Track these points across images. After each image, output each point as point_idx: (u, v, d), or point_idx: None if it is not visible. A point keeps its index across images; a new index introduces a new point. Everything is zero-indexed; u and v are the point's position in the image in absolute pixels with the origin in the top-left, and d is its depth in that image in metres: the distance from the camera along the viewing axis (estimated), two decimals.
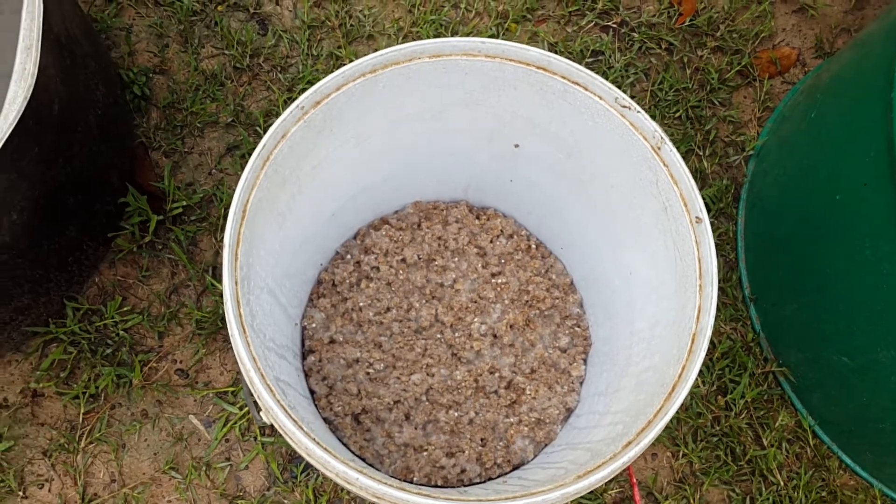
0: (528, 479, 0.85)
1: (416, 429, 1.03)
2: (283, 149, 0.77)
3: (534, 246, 1.14)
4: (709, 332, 0.72)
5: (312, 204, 0.94)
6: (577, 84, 0.82)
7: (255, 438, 1.12)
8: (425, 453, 1.02)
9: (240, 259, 0.73)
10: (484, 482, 1.02)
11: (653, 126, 0.80)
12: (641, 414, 0.73)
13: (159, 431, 1.10)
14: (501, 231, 1.14)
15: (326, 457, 0.64)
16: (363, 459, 1.02)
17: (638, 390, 0.81)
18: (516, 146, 0.98)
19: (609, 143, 0.86)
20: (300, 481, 1.11)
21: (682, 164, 0.77)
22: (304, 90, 1.14)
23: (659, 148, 0.79)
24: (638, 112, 0.80)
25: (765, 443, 1.18)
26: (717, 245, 1.26)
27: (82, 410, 1.11)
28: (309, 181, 0.89)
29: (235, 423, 1.11)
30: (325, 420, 1.04)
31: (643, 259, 0.87)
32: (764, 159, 1.33)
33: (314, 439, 0.66)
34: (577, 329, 1.09)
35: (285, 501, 1.11)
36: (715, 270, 0.74)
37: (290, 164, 0.81)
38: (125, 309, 1.11)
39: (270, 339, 0.83)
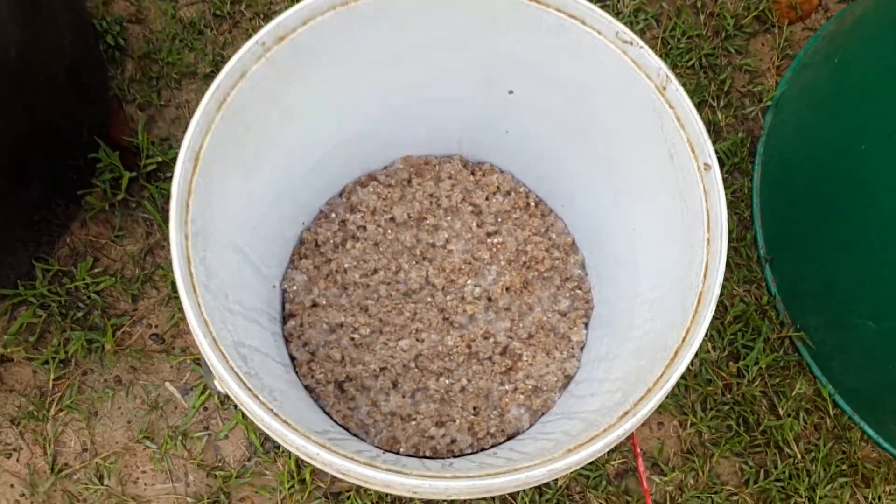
0: (518, 452, 0.79)
1: (403, 397, 0.96)
2: (243, 90, 0.70)
3: (533, 203, 1.06)
4: (716, 292, 0.64)
5: (287, 155, 0.86)
6: (574, 17, 0.74)
7: (236, 407, 1.06)
8: (413, 423, 0.95)
9: (192, 211, 0.65)
10: (475, 453, 0.96)
11: (657, 63, 0.71)
12: (641, 381, 0.66)
13: (133, 399, 1.04)
14: (498, 187, 1.06)
15: (283, 429, 0.57)
16: (346, 429, 0.96)
17: (638, 356, 0.74)
18: (510, 92, 0.89)
19: (610, 84, 0.77)
20: (282, 451, 1.05)
21: (690, 105, 0.69)
22: None
23: (664, 88, 0.71)
24: (641, 48, 0.72)
25: (780, 412, 1.10)
26: (730, 202, 1.17)
27: (52, 376, 1.05)
28: (280, 129, 0.81)
29: None
30: (307, 388, 0.97)
31: (648, 214, 0.80)
32: (782, 110, 1.24)
33: (270, 410, 0.59)
34: (578, 292, 1.02)
35: (266, 472, 1.05)
36: (724, 223, 0.66)
37: (253, 109, 0.73)
38: (97, 270, 1.05)
39: (236, 302, 0.76)
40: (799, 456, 1.09)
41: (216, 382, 0.63)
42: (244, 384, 0.60)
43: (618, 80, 0.76)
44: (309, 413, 0.81)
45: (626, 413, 0.61)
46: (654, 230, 0.79)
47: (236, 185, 0.76)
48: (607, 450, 0.60)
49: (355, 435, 0.96)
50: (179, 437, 1.06)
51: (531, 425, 0.97)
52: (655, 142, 0.74)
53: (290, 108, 0.80)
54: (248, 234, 0.83)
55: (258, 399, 0.60)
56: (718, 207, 0.67)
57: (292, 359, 0.99)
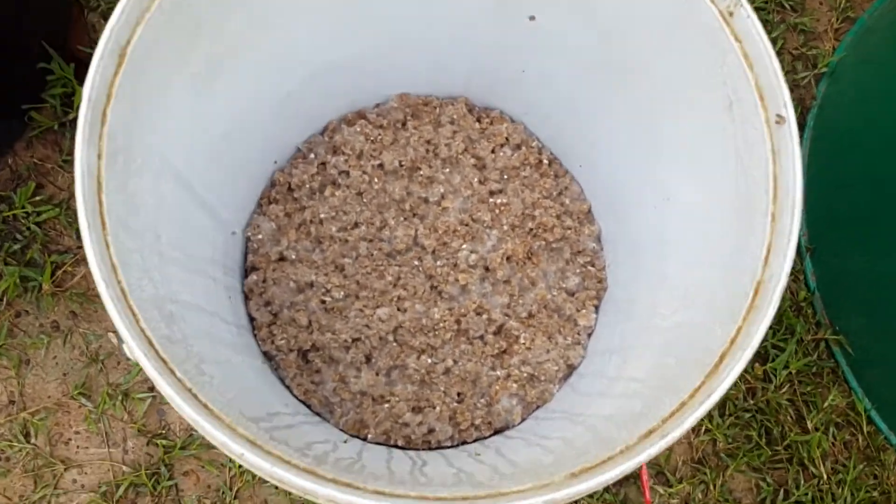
0: (506, 458, 0.64)
1: (377, 374, 0.82)
2: None
3: (546, 161, 0.90)
4: (782, 282, 0.49)
5: (254, 74, 0.70)
6: None
7: None
8: (386, 405, 0.81)
9: (110, 123, 0.50)
10: (455, 446, 0.82)
11: None
12: (670, 389, 0.51)
13: (71, 349, 0.91)
14: (507, 139, 0.90)
15: (197, 416, 0.43)
16: (308, 406, 0.82)
17: (665, 352, 0.59)
18: (531, 18, 0.73)
19: (659, 12, 0.61)
20: None
21: (763, 37, 0.53)
22: None
23: (730, 14, 0.55)
24: None
25: (808, 425, 0.96)
26: None
27: None
28: (244, 38, 0.65)
29: None
30: (265, 355, 0.83)
31: (688, 178, 0.64)
32: (839, 79, 1.09)
33: (187, 389, 0.44)
34: (590, 268, 0.87)
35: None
36: (800, 193, 0.51)
37: (207, 2, 0.57)
38: (40, 198, 0.92)
39: (174, 246, 0.61)
40: (825, 476, 0.95)
41: (125, 346, 0.48)
42: (155, 352, 0.46)
43: (669, 7, 0.60)
44: (258, 389, 0.67)
45: (651, 432, 0.47)
46: (696, 200, 0.64)
47: (182, 99, 0.61)
48: (622, 476, 0.45)
49: (317, 414, 0.82)
50: (120, 397, 0.93)
51: (523, 420, 0.83)
52: (710, 86, 0.59)
53: (257, 14, 0.64)
54: (200, 165, 0.68)
55: (172, 374, 0.45)
56: (792, 173, 0.51)
57: (251, 319, 0.84)
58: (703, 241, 0.62)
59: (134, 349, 0.45)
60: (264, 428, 0.52)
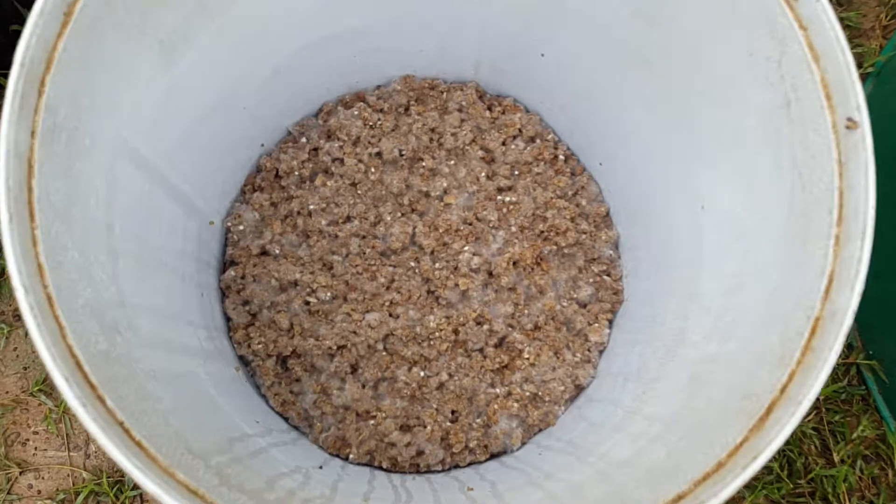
0: (503, 499, 0.56)
1: (363, 387, 0.74)
2: None
3: (562, 156, 0.81)
4: (848, 321, 0.40)
5: (236, 43, 0.62)
6: None
7: None
8: (372, 422, 0.73)
9: (48, 93, 0.42)
10: (447, 471, 0.73)
11: None
12: (702, 440, 0.42)
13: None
14: (520, 130, 0.81)
15: (121, 458, 0.34)
16: (285, 419, 0.73)
17: (694, 390, 0.51)
18: None
19: None
20: None
21: (836, 24, 0.44)
22: None
23: None
24: None
25: (835, 458, 0.88)
26: None
27: None
28: (223, 4, 0.56)
29: None
30: (241, 360, 0.74)
31: (731, 186, 0.55)
32: (887, 80, 0.99)
33: (118, 422, 0.36)
34: (605, 278, 0.78)
35: None
36: (872, 213, 0.42)
37: None
38: None
39: (131, 239, 0.52)
40: None
41: None
42: (82, 375, 0.37)
43: None
44: (222, 409, 0.58)
45: (681, 498, 0.38)
46: (738, 212, 0.55)
47: (147, 70, 0.52)
48: None
49: (295, 428, 0.74)
50: None
51: (523, 444, 0.75)
52: (765, 81, 0.50)
53: None
54: (169, 147, 0.60)
55: (100, 402, 0.37)
56: (864, 190, 0.42)
57: (227, 320, 0.75)
58: (744, 261, 0.54)
59: (53, 373, 0.37)
60: (218, 464, 0.43)
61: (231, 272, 0.77)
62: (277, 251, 0.78)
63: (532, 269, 0.79)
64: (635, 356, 0.68)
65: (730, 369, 0.48)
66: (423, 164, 0.80)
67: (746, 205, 0.54)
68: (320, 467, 0.63)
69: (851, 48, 0.99)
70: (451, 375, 0.76)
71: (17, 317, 0.87)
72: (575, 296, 0.79)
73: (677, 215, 0.66)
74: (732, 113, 0.54)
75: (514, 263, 0.78)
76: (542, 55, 0.73)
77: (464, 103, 0.82)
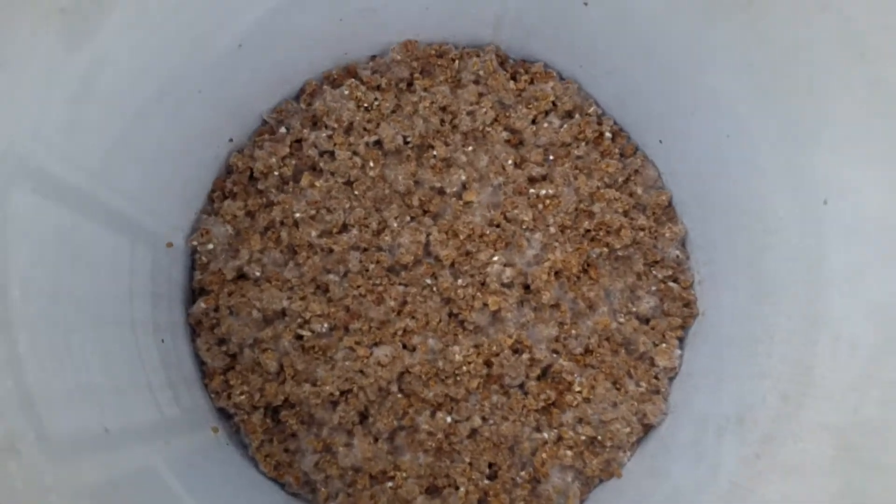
0: None
1: (375, 441, 0.61)
2: None
3: (608, 134, 0.66)
4: None
5: (176, 9, 0.44)
6: None
7: None
8: (389, 485, 0.61)
9: None
10: None
11: None
12: None
13: None
14: (554, 104, 0.69)
15: None
16: (281, 486, 0.58)
17: (853, 477, 0.35)
18: None
19: None
20: None
21: None
22: None
23: None
24: None
25: None
26: None
27: None
28: None
29: None
30: (221, 413, 0.59)
31: (874, 176, 0.39)
32: None
33: None
34: (671, 285, 0.63)
35: None
36: None
37: None
38: None
39: (38, 295, 0.36)
40: None
41: None
42: None
43: None
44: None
45: None
46: (885, 212, 0.39)
47: (46, 51, 0.36)
48: None
49: (294, 495, 0.59)
50: None
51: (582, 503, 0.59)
52: None
53: None
54: (96, 156, 0.44)
55: None
56: None
57: (200, 364, 0.60)
58: None
59: None
60: None
61: (201, 304, 0.61)
62: (258, 273, 0.62)
63: (578, 278, 0.64)
64: (728, 395, 0.53)
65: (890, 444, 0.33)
66: (435, 152, 0.65)
67: None
68: None
69: None
70: (485, 419, 0.62)
71: None
72: (634, 309, 0.64)
73: (780, 208, 0.50)
74: (881, 73, 0.37)
75: (556, 273, 0.64)
76: (585, 3, 0.56)
77: (481, 73, 0.66)
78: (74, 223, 0.43)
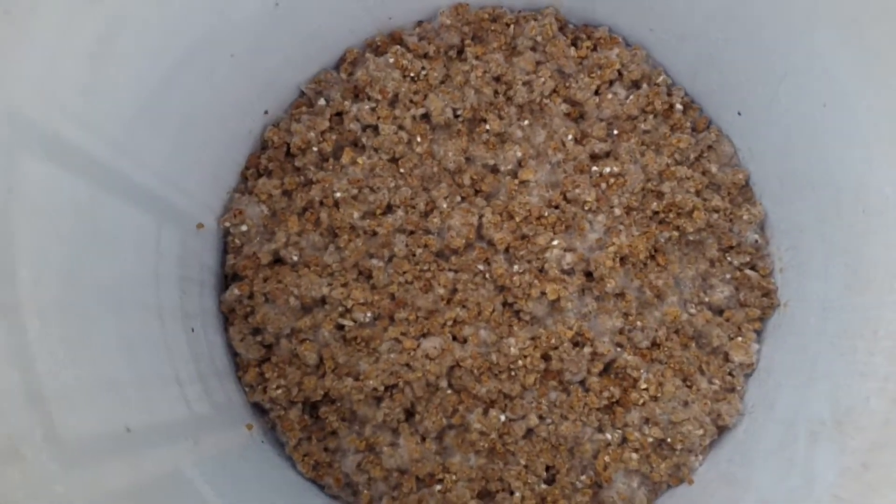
0: None
1: (423, 440, 0.61)
2: None
3: (679, 106, 0.62)
4: None
5: None
6: None
7: None
8: (438, 488, 0.58)
9: None
10: None
11: None
12: None
13: None
14: (619, 73, 0.66)
15: None
16: (321, 487, 0.55)
17: None
18: None
19: None
20: None
21: None
22: None
23: None
24: None
25: None
26: None
27: None
28: None
29: None
30: (256, 408, 0.55)
31: None
32: None
33: None
34: (749, 273, 0.60)
35: None
36: None
37: None
38: None
39: (53, 280, 0.33)
40: None
41: None
42: None
43: None
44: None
45: None
46: None
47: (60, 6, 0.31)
48: None
49: (334, 497, 0.55)
50: None
51: None
52: None
53: None
54: (119, 121, 0.40)
55: None
56: None
57: (233, 356, 0.56)
58: None
59: None
60: None
61: (234, 290, 0.57)
62: (296, 258, 0.58)
63: (645, 265, 0.62)
64: (820, 396, 0.47)
65: None
66: (487, 127, 0.61)
67: None
68: None
69: None
70: (542, 418, 0.58)
71: None
72: (707, 299, 0.60)
73: (887, 185, 0.44)
74: None
75: (621, 259, 0.62)
76: None
77: (539, 38, 0.62)
78: (94, 197, 0.39)
